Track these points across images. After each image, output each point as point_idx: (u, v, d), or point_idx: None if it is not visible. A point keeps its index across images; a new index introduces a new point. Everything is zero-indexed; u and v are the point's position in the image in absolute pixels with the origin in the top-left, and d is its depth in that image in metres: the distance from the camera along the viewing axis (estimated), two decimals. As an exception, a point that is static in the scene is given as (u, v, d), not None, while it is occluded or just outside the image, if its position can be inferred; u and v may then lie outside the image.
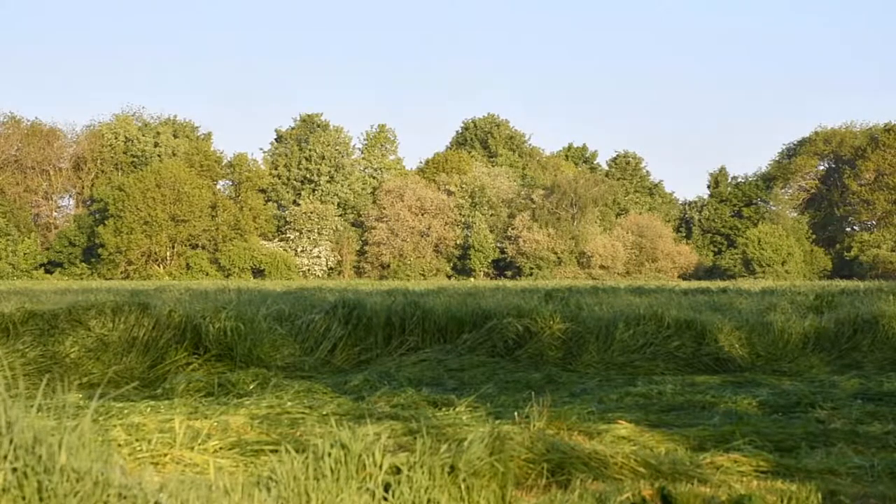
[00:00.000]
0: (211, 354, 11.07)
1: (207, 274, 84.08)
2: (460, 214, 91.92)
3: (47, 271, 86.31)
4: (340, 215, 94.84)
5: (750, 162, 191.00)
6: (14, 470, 3.39)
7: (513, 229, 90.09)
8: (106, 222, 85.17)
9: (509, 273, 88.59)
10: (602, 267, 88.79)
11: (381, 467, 4.26)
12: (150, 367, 10.69)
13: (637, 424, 7.14)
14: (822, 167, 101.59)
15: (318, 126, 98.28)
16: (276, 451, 4.64)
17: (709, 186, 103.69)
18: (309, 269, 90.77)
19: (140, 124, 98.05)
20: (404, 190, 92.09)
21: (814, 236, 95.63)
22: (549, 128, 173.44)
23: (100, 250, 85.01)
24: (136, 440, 5.81)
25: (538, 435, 5.68)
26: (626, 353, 12.04)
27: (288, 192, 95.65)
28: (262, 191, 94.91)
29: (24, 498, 3.37)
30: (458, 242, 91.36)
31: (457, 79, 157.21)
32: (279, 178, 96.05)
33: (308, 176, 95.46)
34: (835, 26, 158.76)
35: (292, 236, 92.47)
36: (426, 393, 8.94)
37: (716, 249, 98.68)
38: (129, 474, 3.70)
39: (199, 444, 5.73)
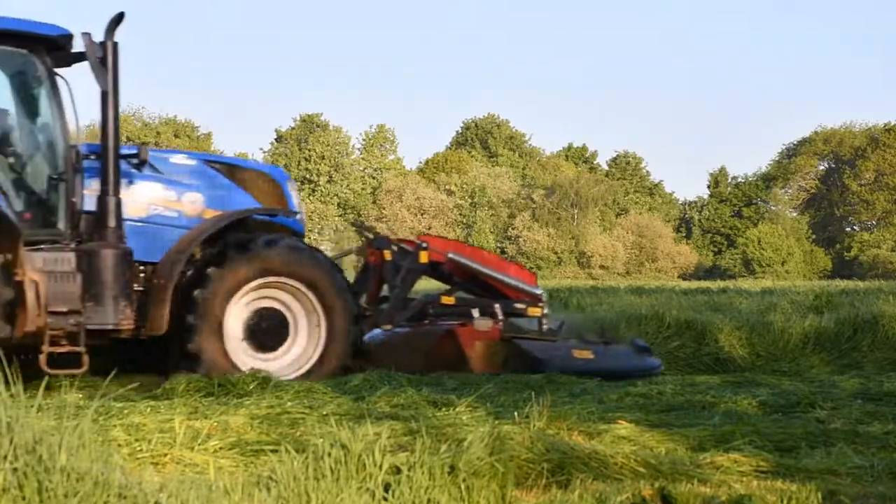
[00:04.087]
0: (211, 354, 11.03)
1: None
2: (460, 214, 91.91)
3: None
4: (340, 215, 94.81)
5: (750, 162, 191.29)
6: (14, 470, 3.39)
7: (513, 229, 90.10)
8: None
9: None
10: (602, 267, 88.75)
11: (381, 467, 4.26)
12: (150, 367, 10.66)
13: (637, 424, 7.14)
14: (822, 167, 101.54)
15: (318, 126, 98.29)
16: (276, 451, 4.64)
17: (709, 186, 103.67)
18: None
19: (140, 124, 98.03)
20: (404, 190, 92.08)
21: (814, 236, 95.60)
22: (549, 128, 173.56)
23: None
24: (136, 440, 5.81)
25: (538, 435, 5.68)
26: (626, 353, 12.02)
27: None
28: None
29: (24, 498, 3.37)
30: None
31: (457, 79, 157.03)
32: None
33: (308, 176, 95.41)
34: (835, 26, 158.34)
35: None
36: (426, 393, 8.93)
37: (716, 249, 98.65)
38: (129, 474, 3.71)
39: (199, 444, 5.73)
